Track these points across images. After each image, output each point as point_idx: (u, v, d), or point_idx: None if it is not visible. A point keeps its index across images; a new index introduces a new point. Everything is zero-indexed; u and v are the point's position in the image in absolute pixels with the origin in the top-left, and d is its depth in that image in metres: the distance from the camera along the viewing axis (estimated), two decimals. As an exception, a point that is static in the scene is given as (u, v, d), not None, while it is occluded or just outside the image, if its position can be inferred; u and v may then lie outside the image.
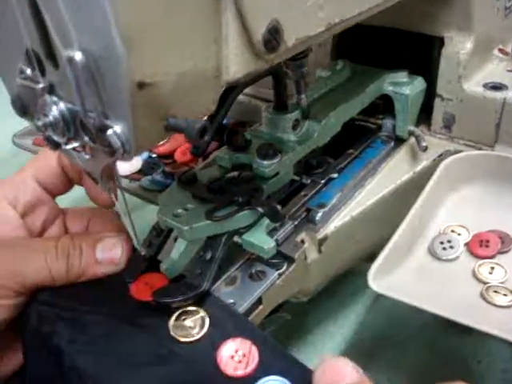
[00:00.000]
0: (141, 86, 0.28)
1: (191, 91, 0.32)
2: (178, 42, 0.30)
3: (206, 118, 0.37)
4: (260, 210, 0.44)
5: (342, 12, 0.39)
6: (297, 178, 0.53)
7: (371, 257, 0.53)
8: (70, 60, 0.29)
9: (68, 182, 0.52)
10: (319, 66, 0.61)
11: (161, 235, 0.47)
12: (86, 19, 0.28)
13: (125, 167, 0.66)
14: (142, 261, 0.46)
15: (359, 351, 0.61)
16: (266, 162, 0.47)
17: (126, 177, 0.66)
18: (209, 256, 0.45)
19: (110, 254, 0.46)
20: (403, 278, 0.47)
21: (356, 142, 0.59)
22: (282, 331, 0.56)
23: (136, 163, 0.68)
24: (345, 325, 0.64)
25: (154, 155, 0.69)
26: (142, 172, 0.69)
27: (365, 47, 0.63)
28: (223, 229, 0.45)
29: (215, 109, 0.34)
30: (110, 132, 0.30)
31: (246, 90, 0.55)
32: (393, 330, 0.62)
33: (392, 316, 0.64)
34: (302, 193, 0.52)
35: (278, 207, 0.47)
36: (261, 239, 0.45)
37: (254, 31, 0.33)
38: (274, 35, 0.34)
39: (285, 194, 0.52)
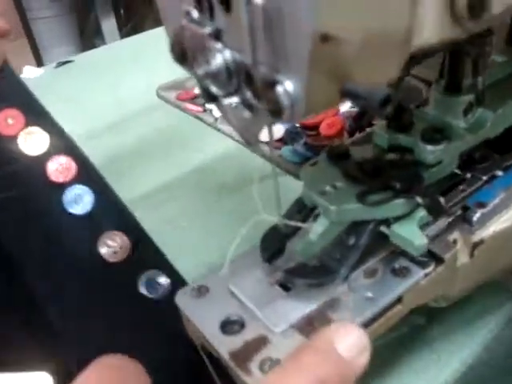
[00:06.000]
0: (325, 38, 0.24)
1: (376, 54, 0.27)
2: (371, -5, 0.25)
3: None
4: (420, 200, 0.39)
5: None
6: (457, 171, 0.47)
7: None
8: (248, 1, 0.25)
9: None
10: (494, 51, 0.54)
11: (302, 211, 0.44)
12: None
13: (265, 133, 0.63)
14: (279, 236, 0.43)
15: (490, 369, 0.55)
16: (430, 148, 0.41)
17: (266, 143, 0.62)
18: (351, 242, 0.41)
19: None
20: None
21: None
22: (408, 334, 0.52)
23: (278, 131, 0.64)
24: (475, 337, 0.58)
25: (297, 125, 0.65)
26: (282, 141, 0.65)
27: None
28: (373, 215, 0.40)
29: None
30: (279, 88, 0.26)
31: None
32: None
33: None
34: (461, 187, 0.47)
35: (441, 200, 0.42)
36: (412, 234, 0.40)
37: (459, -10, 0.28)
38: (481, -1, 0.28)
39: (443, 188, 0.46)
